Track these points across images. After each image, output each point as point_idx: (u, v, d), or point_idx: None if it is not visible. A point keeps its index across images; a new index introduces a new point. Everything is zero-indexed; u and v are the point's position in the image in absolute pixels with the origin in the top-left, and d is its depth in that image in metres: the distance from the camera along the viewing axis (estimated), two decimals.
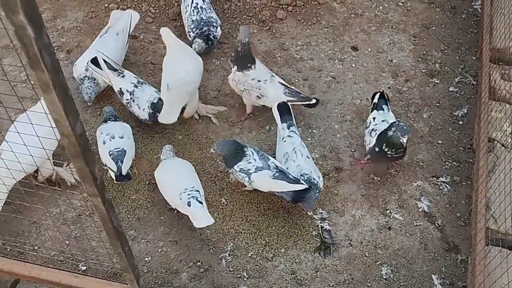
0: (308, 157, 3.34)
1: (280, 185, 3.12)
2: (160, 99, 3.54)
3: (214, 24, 3.99)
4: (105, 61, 3.61)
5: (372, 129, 3.38)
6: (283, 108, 3.52)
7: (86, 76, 3.65)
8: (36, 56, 1.35)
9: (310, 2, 4.46)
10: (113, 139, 3.33)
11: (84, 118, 3.74)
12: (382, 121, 3.40)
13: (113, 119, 3.49)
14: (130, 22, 3.96)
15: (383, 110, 3.50)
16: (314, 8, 4.43)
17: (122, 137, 3.34)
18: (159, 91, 3.58)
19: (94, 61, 3.64)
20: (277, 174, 3.15)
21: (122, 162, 3.23)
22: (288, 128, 3.43)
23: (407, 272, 3.14)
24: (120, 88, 3.59)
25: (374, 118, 3.44)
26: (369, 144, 3.36)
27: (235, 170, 3.24)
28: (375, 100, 3.56)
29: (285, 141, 3.38)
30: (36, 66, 1.38)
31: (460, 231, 3.29)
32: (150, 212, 3.35)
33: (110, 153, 3.28)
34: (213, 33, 3.97)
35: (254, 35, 4.26)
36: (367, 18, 4.38)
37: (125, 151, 3.29)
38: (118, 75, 3.62)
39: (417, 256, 3.20)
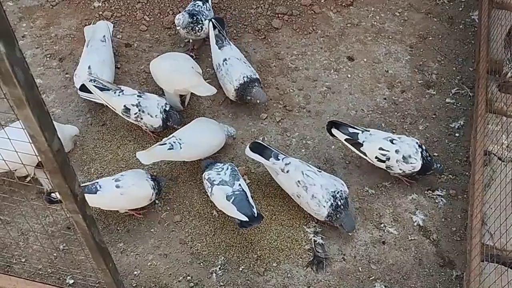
0: (319, 170, 3.27)
1: (230, 208, 3.08)
2: (166, 104, 3.53)
3: (204, 16, 3.94)
4: (96, 86, 3.50)
5: (403, 157, 3.26)
6: None
7: (90, 81, 3.58)
8: (8, 72, 1.30)
9: (306, 11, 4.42)
10: None
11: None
12: (392, 141, 3.29)
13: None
14: (109, 29, 3.94)
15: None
16: (310, 17, 4.39)
17: None
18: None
19: (84, 88, 3.54)
20: (237, 193, 3.09)
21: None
22: (278, 159, 3.28)
23: None
24: (125, 105, 3.46)
25: (380, 148, 3.28)
26: (414, 168, 3.29)
27: (204, 178, 3.25)
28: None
29: (287, 171, 3.23)
30: (8, 81, 1.33)
31: (456, 246, 3.23)
32: (140, 225, 3.29)
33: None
34: (201, 16, 3.92)
35: (249, 44, 4.22)
36: (364, 28, 4.34)
37: None
38: (116, 93, 3.50)
39: (411, 272, 3.14)
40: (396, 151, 3.27)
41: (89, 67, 3.65)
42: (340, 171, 3.54)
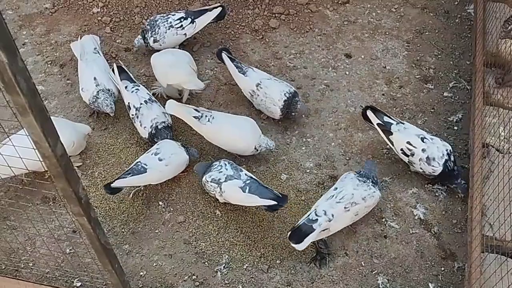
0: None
1: (251, 199, 3.12)
2: (162, 123, 3.53)
3: (154, 32, 3.99)
4: (124, 71, 3.74)
5: (427, 157, 3.28)
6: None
7: (98, 91, 3.64)
8: (11, 81, 1.35)
9: (303, 10, 4.46)
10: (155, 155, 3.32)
11: None
12: (423, 139, 3.31)
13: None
14: (97, 42, 3.98)
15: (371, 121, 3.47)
16: (307, 16, 4.43)
17: (161, 160, 3.31)
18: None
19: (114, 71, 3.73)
20: (248, 182, 3.15)
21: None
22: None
23: (403, 281, 3.12)
24: (129, 103, 3.61)
25: (408, 142, 3.32)
26: (434, 172, 3.31)
27: (207, 181, 3.25)
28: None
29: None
30: (11, 90, 1.38)
31: (457, 238, 3.27)
32: (145, 226, 3.34)
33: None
34: (145, 31, 4.03)
35: (248, 44, 4.26)
36: (360, 25, 4.38)
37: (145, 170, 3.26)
38: (131, 88, 3.65)
39: (413, 265, 3.18)
40: (423, 150, 3.29)
41: (94, 78, 3.69)
42: (340, 168, 3.58)
